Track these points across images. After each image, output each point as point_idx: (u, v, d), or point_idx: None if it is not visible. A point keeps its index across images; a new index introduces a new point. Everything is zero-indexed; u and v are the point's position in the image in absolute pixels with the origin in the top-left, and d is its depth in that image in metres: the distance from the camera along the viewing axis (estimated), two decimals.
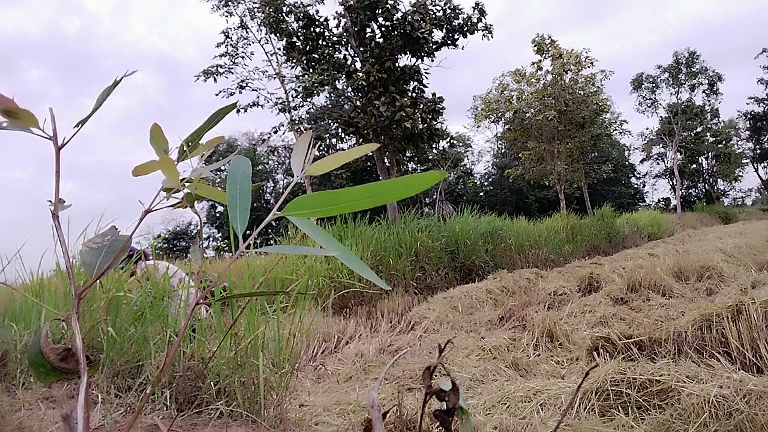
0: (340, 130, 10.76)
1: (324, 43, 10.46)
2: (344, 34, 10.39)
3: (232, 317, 2.37)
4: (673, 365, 2.68)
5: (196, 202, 0.77)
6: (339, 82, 10.43)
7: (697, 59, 28.02)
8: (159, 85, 65.29)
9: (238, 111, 13.41)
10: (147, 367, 2.23)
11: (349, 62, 10.44)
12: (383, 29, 10.21)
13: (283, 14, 10.51)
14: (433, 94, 10.69)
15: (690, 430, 2.17)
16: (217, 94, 13.69)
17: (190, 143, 0.75)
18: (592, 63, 16.86)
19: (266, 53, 15.39)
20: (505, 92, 17.69)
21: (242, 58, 14.55)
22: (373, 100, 9.87)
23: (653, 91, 29.15)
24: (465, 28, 10.67)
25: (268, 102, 13.86)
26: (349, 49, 10.60)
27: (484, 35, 10.91)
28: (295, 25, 10.49)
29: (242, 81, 14.01)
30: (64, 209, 0.68)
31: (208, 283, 3.21)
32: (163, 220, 30.71)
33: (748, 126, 37.26)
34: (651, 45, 78.23)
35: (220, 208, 30.73)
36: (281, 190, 34.14)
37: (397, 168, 11.81)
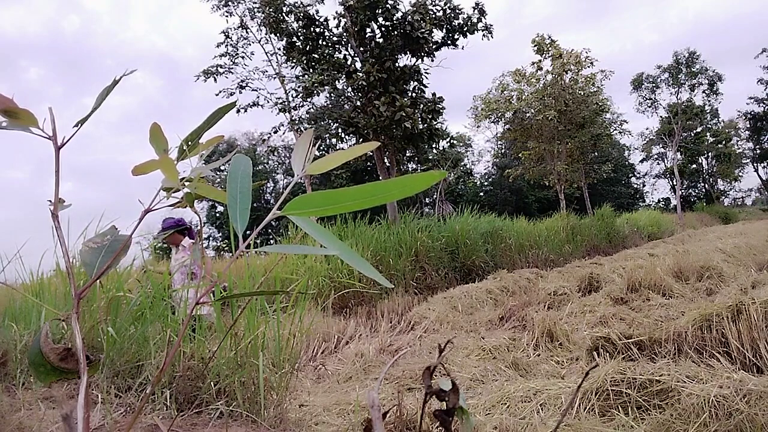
0: (340, 130, 10.75)
1: (324, 43, 10.45)
2: (344, 34, 10.39)
3: (232, 317, 2.37)
4: (673, 365, 2.68)
5: (195, 201, 0.77)
6: (339, 82, 10.42)
7: (697, 59, 28.03)
8: (158, 84, 65.28)
9: (238, 111, 13.43)
10: (147, 367, 2.23)
11: (349, 62, 10.44)
12: (383, 29, 10.21)
13: (283, 14, 10.50)
14: (433, 94, 10.69)
15: (690, 430, 2.17)
16: (217, 94, 13.72)
17: (189, 143, 0.75)
18: (592, 63, 16.87)
19: (266, 53, 15.39)
20: (505, 92, 17.69)
21: (242, 58, 14.56)
22: (373, 100, 9.87)
23: (653, 91, 29.15)
24: (465, 28, 10.66)
25: (268, 102, 13.88)
26: (349, 49, 10.60)
27: (484, 35, 10.90)
28: (295, 25, 10.49)
29: (242, 81, 14.02)
30: (63, 209, 0.68)
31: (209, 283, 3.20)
32: (163, 220, 30.63)
33: (748, 126, 37.26)
34: (652, 44, 78.40)
35: (220, 208, 30.72)
36: (281, 190, 34.14)
37: (397, 168, 11.80)
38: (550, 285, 6.71)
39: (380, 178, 10.87)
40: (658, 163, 40.07)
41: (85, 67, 74.52)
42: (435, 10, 10.38)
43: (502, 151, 33.99)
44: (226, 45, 14.38)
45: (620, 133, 20.92)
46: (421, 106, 10.41)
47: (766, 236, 11.64)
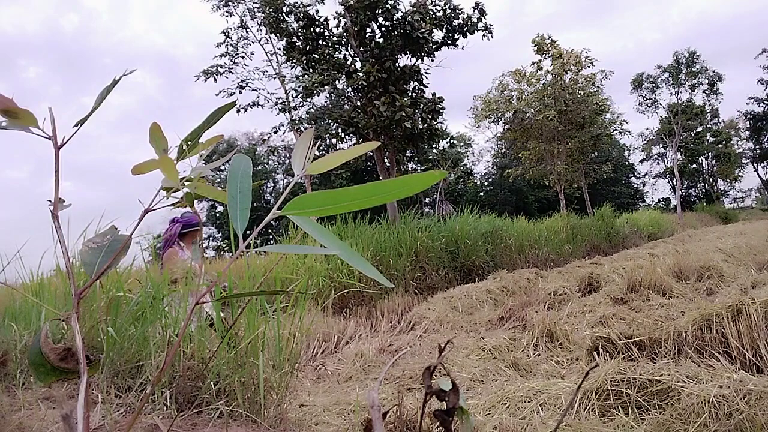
0: (340, 130, 10.75)
1: (324, 43, 10.45)
2: (344, 34, 10.39)
3: (233, 317, 2.37)
4: (673, 365, 2.68)
5: (195, 201, 0.77)
6: (339, 82, 10.42)
7: (697, 59, 28.05)
8: (158, 83, 65.26)
9: (238, 111, 13.44)
10: (147, 367, 2.23)
11: (349, 62, 10.44)
12: (383, 29, 10.21)
13: (283, 14, 10.51)
14: (433, 94, 10.68)
15: (690, 430, 2.17)
16: (217, 94, 13.75)
17: (189, 142, 0.75)
18: (592, 63, 16.89)
19: (266, 53, 15.42)
20: (505, 92, 17.70)
21: (242, 58, 14.59)
22: (373, 100, 9.87)
23: (653, 91, 29.17)
24: (465, 28, 10.66)
25: (268, 102, 13.91)
26: (349, 49, 10.60)
27: (484, 35, 10.91)
28: (295, 25, 10.49)
29: (242, 81, 14.04)
30: (63, 209, 0.68)
31: (208, 283, 3.20)
32: (163, 220, 30.48)
33: (748, 126, 37.28)
34: (653, 43, 78.37)
35: (220, 208, 30.73)
36: (281, 190, 34.15)
37: (397, 168, 11.80)
38: (550, 285, 6.71)
39: (380, 178, 10.86)
40: (658, 163, 40.12)
41: (84, 65, 74.62)
42: (435, 10, 10.38)
43: (502, 151, 34.00)
44: (226, 45, 14.40)
45: (620, 133, 20.91)
46: (421, 106, 10.40)
47: (766, 236, 11.64)
